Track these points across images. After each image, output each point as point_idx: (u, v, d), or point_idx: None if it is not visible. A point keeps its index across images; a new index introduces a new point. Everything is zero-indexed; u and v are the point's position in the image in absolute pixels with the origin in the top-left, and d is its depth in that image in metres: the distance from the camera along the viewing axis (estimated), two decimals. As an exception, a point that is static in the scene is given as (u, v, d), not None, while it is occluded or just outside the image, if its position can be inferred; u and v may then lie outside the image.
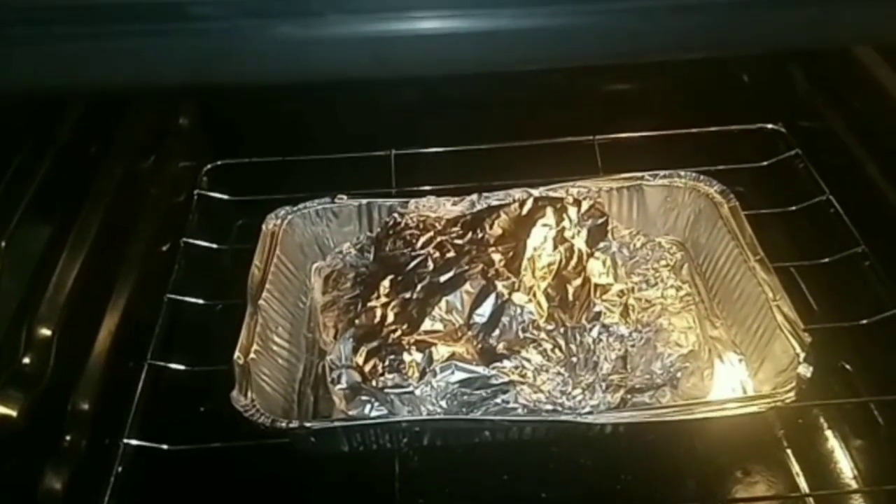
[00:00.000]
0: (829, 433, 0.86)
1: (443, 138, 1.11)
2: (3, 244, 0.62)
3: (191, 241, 1.00)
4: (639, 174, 0.99)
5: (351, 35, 0.30)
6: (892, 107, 0.91)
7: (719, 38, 0.34)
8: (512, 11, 0.30)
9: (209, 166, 1.11)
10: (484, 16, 0.30)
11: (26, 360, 0.66)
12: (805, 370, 0.74)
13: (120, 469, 0.78)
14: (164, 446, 0.79)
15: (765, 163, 1.08)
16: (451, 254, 0.88)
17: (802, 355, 0.76)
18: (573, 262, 0.87)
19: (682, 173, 0.98)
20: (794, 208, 1.01)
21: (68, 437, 0.73)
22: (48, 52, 0.28)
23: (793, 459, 0.83)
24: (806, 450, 0.84)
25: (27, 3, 0.26)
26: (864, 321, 0.87)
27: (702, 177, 0.98)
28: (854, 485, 0.82)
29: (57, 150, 0.73)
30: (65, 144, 0.74)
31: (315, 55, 0.31)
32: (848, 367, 0.91)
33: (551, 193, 0.95)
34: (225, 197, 1.07)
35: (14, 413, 0.63)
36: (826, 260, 0.95)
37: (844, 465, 0.84)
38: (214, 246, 1.01)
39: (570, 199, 0.93)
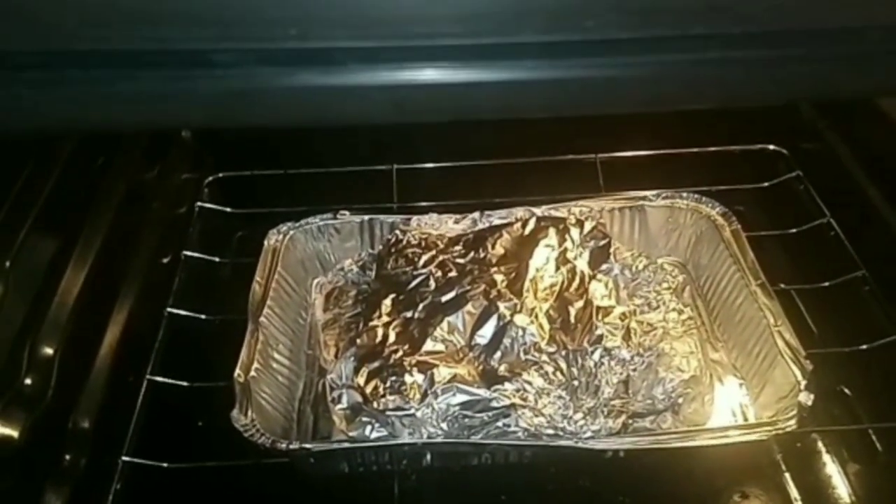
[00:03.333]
0: (827, 458, 0.86)
1: (444, 153, 1.11)
2: (8, 264, 0.61)
3: (191, 253, 0.99)
4: (641, 194, 0.99)
5: (371, 84, 0.30)
6: (893, 132, 0.92)
7: (736, 90, 0.35)
8: (530, 63, 0.31)
9: (210, 178, 1.11)
10: (501, 67, 0.31)
11: (28, 381, 0.66)
12: (806, 398, 0.75)
13: (118, 486, 0.77)
14: (164, 464, 0.78)
15: (766, 184, 1.09)
16: (453, 273, 0.88)
17: (804, 383, 0.76)
18: (575, 284, 0.87)
19: (685, 194, 0.99)
20: (794, 230, 1.02)
21: (68, 456, 0.73)
22: (86, 93, 0.29)
23: (791, 484, 0.83)
24: (804, 474, 0.84)
25: (66, 48, 0.27)
26: (864, 346, 0.87)
27: (704, 198, 0.98)
28: None
29: (62, 165, 0.73)
30: (70, 158, 0.74)
31: (335, 102, 0.31)
32: (847, 391, 0.90)
33: (554, 213, 0.96)
34: (227, 209, 1.07)
35: (16, 434, 0.63)
36: (826, 284, 0.95)
37: (842, 491, 0.83)
38: (216, 259, 1.01)
39: (573, 220, 0.93)
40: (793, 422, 0.74)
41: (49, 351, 0.69)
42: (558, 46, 0.30)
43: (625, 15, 0.28)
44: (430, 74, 0.30)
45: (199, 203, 1.06)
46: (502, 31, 0.29)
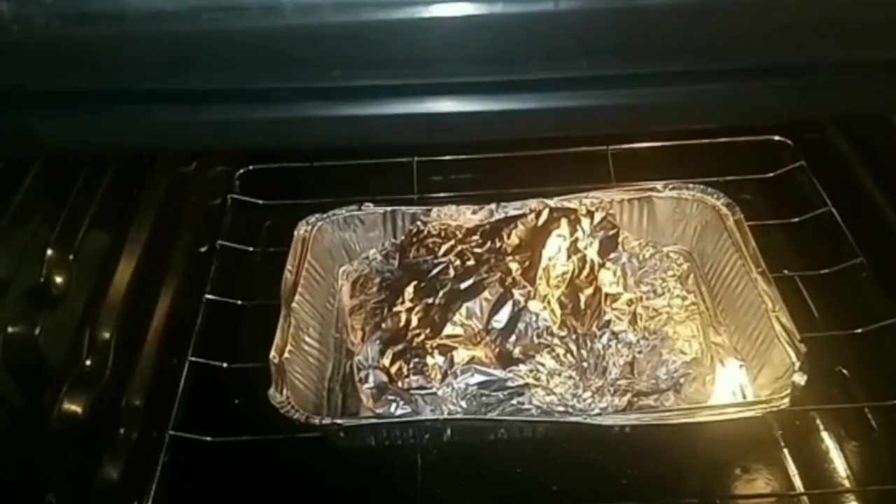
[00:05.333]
0: (824, 435, 0.88)
1: (462, 146, 1.13)
2: (71, 257, 0.68)
3: (226, 243, 1.04)
4: (649, 185, 1.03)
5: (399, 113, 0.36)
6: (889, 127, 0.94)
7: (710, 116, 0.40)
8: (532, 95, 0.36)
9: (241, 171, 1.15)
10: (507, 99, 0.36)
11: (88, 362, 0.72)
12: (800, 378, 0.78)
13: (166, 458, 0.83)
14: (207, 438, 0.83)
15: (770, 174, 1.11)
16: (471, 262, 0.93)
17: (798, 364, 0.79)
18: (585, 272, 0.92)
19: (691, 186, 1.02)
20: (797, 219, 1.05)
21: (122, 430, 0.79)
22: (168, 123, 0.35)
23: (790, 460, 0.86)
24: (802, 451, 0.86)
25: (153, 87, 0.33)
26: (860, 330, 0.90)
27: (709, 189, 1.01)
28: (847, 484, 0.84)
29: (114, 166, 0.78)
30: (121, 160, 0.79)
31: (369, 128, 0.37)
32: (845, 371, 0.93)
33: (566, 204, 0.99)
34: (258, 201, 1.11)
35: (80, 410, 0.69)
36: (825, 271, 0.98)
37: (839, 466, 0.86)
38: (249, 248, 1.06)
39: (584, 211, 0.97)
40: (787, 401, 0.77)
41: (106, 335, 0.75)
42: (556, 81, 0.36)
43: (611, 56, 0.34)
44: (447, 105, 0.35)
45: (231, 195, 1.11)
46: (509, 71, 0.35)
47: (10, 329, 0.61)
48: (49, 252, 0.66)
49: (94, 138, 0.37)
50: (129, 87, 0.33)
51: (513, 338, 0.85)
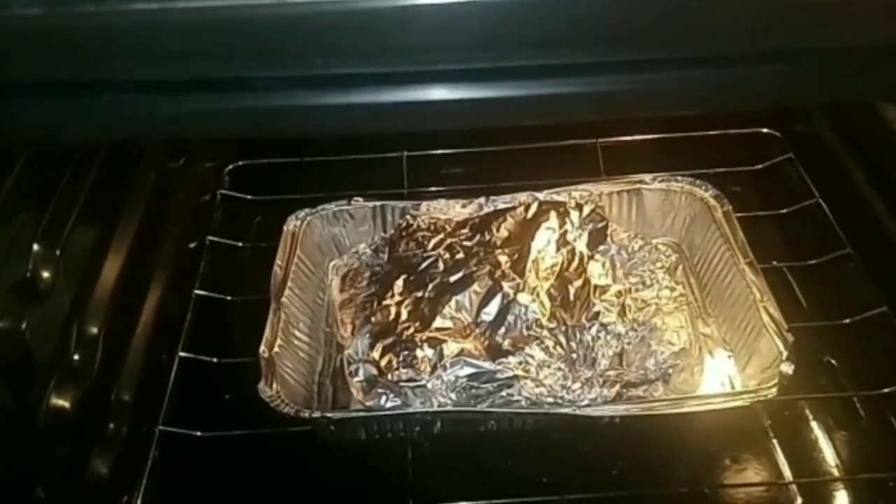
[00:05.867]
0: (813, 424, 0.89)
1: (452, 140, 1.14)
2: (58, 252, 0.68)
3: (215, 238, 1.04)
4: (638, 178, 1.03)
5: (384, 101, 0.36)
6: (876, 118, 0.95)
7: (689, 102, 0.41)
8: (518, 83, 0.36)
9: (231, 167, 1.15)
10: (493, 87, 0.36)
11: (76, 357, 0.72)
12: (787, 368, 0.79)
13: (156, 453, 0.83)
14: (197, 433, 0.83)
15: (759, 166, 1.12)
16: (461, 255, 0.93)
17: (785, 354, 0.80)
18: (574, 264, 0.92)
19: (679, 178, 1.03)
20: (785, 211, 1.05)
21: (111, 426, 0.79)
22: (154, 112, 0.35)
23: (778, 449, 0.86)
24: (791, 440, 0.87)
25: (142, 77, 0.33)
26: (847, 321, 0.91)
27: (697, 181, 1.02)
28: (836, 473, 0.85)
29: (101, 160, 0.78)
30: (107, 154, 0.79)
31: (354, 117, 0.37)
32: (833, 361, 0.94)
33: (555, 197, 1.00)
34: (247, 197, 1.11)
35: (68, 405, 0.69)
36: (813, 262, 0.99)
37: (827, 455, 0.86)
38: (238, 244, 1.06)
39: (573, 203, 0.97)
40: (774, 390, 0.78)
41: (94, 330, 0.75)
42: (542, 69, 0.36)
43: (593, 44, 0.34)
44: (433, 94, 0.35)
45: (220, 190, 1.11)
46: (495, 58, 0.35)
47: (-4, 324, 0.61)
48: (35, 247, 0.66)
49: (76, 128, 0.37)
50: (110, 77, 0.33)
51: (502, 330, 0.86)
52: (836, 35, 0.38)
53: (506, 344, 0.85)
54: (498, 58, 0.35)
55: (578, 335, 0.86)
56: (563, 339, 0.86)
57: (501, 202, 1.01)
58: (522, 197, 1.00)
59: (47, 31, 0.29)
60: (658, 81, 0.36)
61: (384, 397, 0.83)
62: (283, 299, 0.90)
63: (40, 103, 0.35)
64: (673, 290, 0.95)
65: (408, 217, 1.00)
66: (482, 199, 1.01)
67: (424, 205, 1.01)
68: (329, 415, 0.79)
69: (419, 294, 0.90)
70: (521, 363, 0.83)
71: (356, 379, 0.85)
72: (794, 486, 0.84)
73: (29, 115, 0.36)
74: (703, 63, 0.36)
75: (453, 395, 0.82)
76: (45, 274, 0.67)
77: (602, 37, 0.34)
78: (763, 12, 0.36)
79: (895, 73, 0.42)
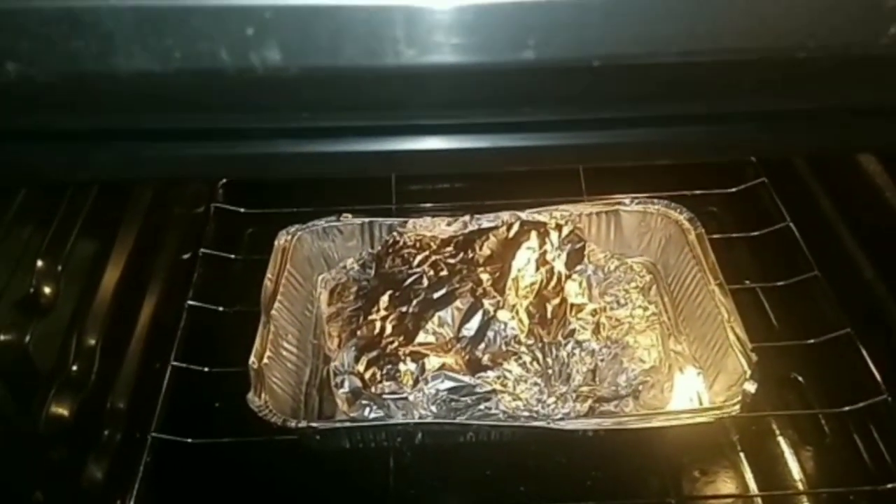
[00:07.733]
0: (780, 439, 0.92)
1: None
2: (60, 268, 0.71)
3: (208, 251, 1.07)
4: (617, 199, 1.07)
5: (365, 150, 0.40)
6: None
7: (645, 156, 0.45)
8: (486, 136, 0.41)
9: (224, 181, 1.18)
10: (464, 139, 0.40)
11: (75, 367, 0.75)
12: (750, 386, 0.82)
13: (148, 459, 0.86)
14: (188, 440, 0.86)
15: (734, 189, 1.16)
16: (444, 272, 0.96)
17: (749, 373, 0.83)
18: (552, 283, 0.96)
19: (656, 200, 1.06)
20: (757, 233, 1.09)
21: (106, 432, 0.81)
22: (154, 157, 0.39)
23: (746, 463, 0.89)
24: (758, 454, 0.89)
25: (144, 127, 0.37)
26: (812, 340, 0.94)
27: (673, 204, 1.06)
28: (800, 486, 0.87)
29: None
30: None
31: (336, 163, 0.41)
32: (800, 378, 0.97)
33: (537, 217, 1.03)
34: (240, 210, 1.14)
35: (66, 413, 0.72)
36: (782, 283, 1.03)
37: (792, 469, 0.89)
38: (230, 256, 1.09)
39: (553, 224, 1.01)
40: (737, 408, 0.81)
41: (92, 341, 0.78)
42: (506, 125, 0.40)
43: (552, 105, 0.38)
44: (406, 144, 0.40)
45: (214, 204, 1.14)
46: (465, 115, 0.39)
47: (1, 337, 0.64)
48: (39, 263, 0.69)
49: (91, 170, 0.41)
50: (124, 127, 0.37)
51: (482, 345, 0.89)
52: (812, 96, 0.41)
53: (485, 359, 0.88)
54: (464, 115, 0.39)
55: (554, 351, 0.90)
56: (539, 356, 0.89)
57: (485, 221, 1.04)
58: (505, 216, 1.03)
59: (69, 94, 0.33)
60: (622, 136, 0.40)
61: (368, 408, 0.86)
62: (273, 311, 0.93)
63: (57, 147, 0.39)
64: (646, 309, 0.98)
65: (394, 234, 1.03)
66: (466, 218, 1.04)
67: (411, 222, 1.04)
68: (314, 425, 0.82)
69: (404, 309, 0.93)
70: (499, 377, 0.86)
71: (341, 390, 0.88)
72: (759, 499, 0.87)
73: (46, 157, 0.40)
74: (671, 122, 0.40)
75: (434, 408, 0.85)
76: (48, 289, 0.70)
77: (566, 99, 0.38)
78: (735, 81, 0.39)
79: (872, 129, 0.46)
